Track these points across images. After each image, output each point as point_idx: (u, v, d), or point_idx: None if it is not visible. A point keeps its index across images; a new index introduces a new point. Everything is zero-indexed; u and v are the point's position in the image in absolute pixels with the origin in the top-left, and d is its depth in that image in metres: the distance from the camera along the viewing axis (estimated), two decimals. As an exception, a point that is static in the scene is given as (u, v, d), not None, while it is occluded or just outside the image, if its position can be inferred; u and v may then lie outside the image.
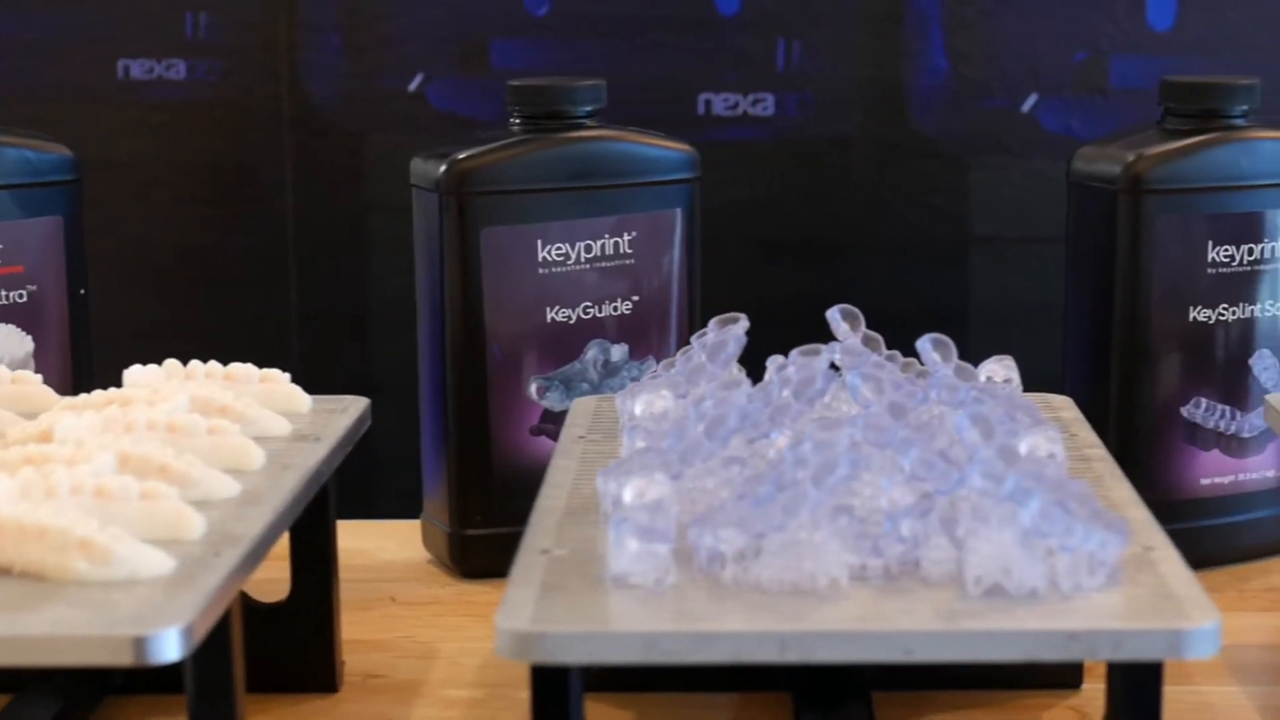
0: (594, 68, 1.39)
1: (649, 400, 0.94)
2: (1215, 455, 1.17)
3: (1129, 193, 1.13)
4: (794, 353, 0.93)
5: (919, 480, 0.82)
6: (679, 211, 1.19)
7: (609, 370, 1.17)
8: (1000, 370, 0.99)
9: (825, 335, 0.96)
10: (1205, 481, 1.17)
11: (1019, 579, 0.76)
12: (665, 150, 1.19)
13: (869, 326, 0.96)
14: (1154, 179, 1.13)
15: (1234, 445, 1.17)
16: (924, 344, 0.95)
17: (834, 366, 0.92)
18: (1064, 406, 1.06)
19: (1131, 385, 1.15)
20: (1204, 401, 1.16)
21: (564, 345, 1.16)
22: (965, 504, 0.79)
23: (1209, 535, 1.17)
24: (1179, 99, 1.17)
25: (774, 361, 0.95)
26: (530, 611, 0.74)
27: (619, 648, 0.74)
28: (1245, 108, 1.16)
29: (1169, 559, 0.81)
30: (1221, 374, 1.16)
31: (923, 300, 1.44)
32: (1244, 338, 1.16)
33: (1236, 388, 1.16)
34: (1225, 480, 1.17)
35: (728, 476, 0.85)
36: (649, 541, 0.77)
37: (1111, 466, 0.94)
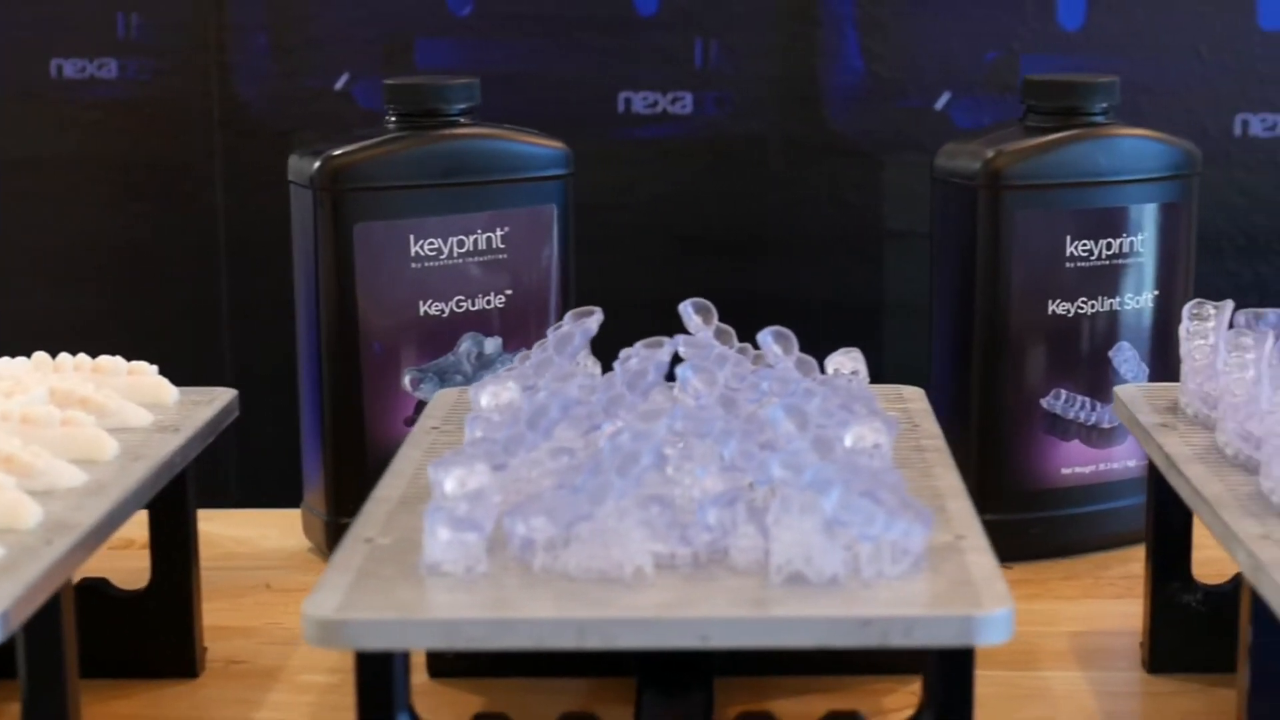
0: (516, 67, 1.41)
1: (495, 392, 0.96)
2: (1076, 446, 1.19)
3: (988, 189, 1.15)
4: (638, 344, 0.94)
5: (739, 471, 0.84)
6: (554, 207, 1.20)
7: (483, 363, 1.19)
8: (847, 362, 1.01)
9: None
10: (1066, 471, 1.19)
11: (820, 566, 0.77)
12: (538, 147, 1.21)
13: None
14: (1012, 175, 1.15)
15: (1095, 436, 1.19)
16: (765, 336, 0.96)
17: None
18: (914, 398, 1.07)
19: (993, 377, 1.17)
20: (1064, 393, 1.18)
21: (438, 338, 1.18)
22: (779, 494, 0.81)
23: (1071, 524, 1.19)
24: (1040, 96, 1.18)
25: (624, 353, 0.96)
26: (338, 599, 0.76)
27: (421, 634, 0.75)
28: (1105, 105, 1.18)
29: (977, 548, 0.82)
30: (1082, 366, 1.18)
31: (838, 294, 1.46)
32: (1104, 330, 1.18)
33: (1097, 379, 1.18)
34: (1086, 470, 1.19)
35: (555, 467, 0.86)
36: (460, 530, 0.79)
37: (944, 457, 0.95)
